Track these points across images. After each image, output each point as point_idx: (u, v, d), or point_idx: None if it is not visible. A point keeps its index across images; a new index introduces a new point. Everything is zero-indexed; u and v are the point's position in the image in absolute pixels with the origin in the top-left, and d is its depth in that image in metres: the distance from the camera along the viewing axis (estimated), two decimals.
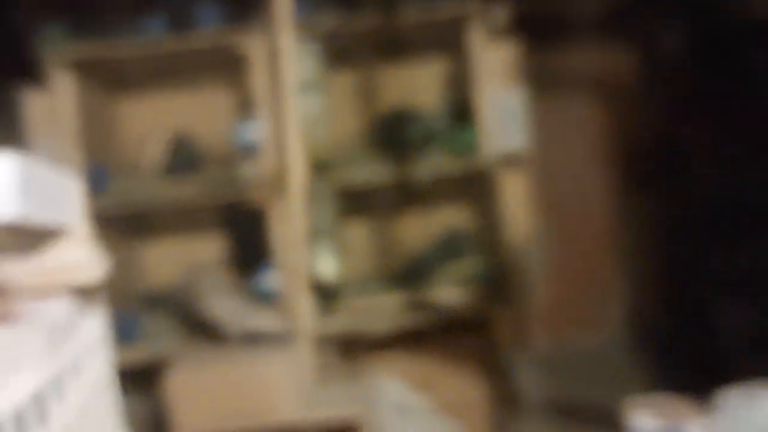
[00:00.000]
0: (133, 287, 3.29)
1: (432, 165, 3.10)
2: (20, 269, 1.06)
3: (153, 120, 3.38)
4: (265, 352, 2.83)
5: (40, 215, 1.23)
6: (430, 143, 3.17)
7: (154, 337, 3.07)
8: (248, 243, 3.11)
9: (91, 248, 1.32)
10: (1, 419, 0.89)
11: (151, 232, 3.36)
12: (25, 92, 2.86)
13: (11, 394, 0.93)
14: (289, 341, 2.97)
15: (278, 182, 3.00)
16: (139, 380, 3.29)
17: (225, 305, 2.88)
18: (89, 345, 1.28)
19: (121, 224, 3.06)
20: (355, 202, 3.20)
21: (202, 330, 2.93)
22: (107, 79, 3.21)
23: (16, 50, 2.77)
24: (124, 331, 3.01)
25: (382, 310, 3.09)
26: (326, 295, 3.07)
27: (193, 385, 2.68)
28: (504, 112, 3.10)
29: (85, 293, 1.29)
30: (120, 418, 1.38)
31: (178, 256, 3.49)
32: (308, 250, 3.01)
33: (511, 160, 3.08)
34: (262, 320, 2.99)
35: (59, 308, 1.15)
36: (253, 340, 2.94)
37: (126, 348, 2.99)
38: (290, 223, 2.94)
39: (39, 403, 1.02)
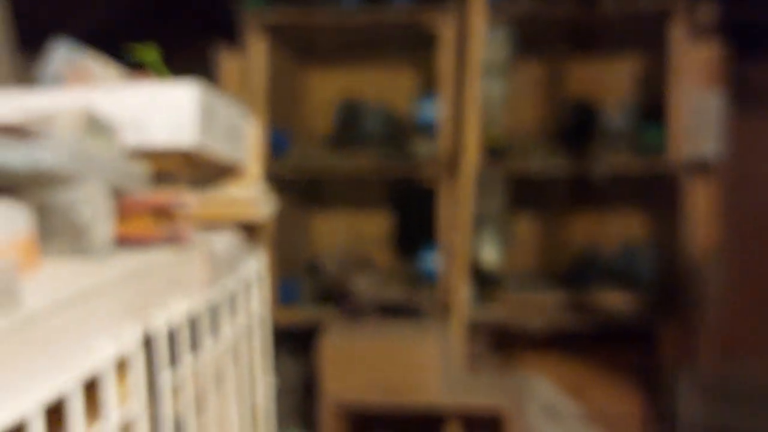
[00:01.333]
0: (299, 253, 3.38)
1: (613, 163, 2.96)
2: (193, 198, 1.06)
3: (336, 90, 3.46)
4: (417, 330, 2.82)
5: (216, 147, 1.24)
6: (614, 140, 3.02)
7: (311, 303, 3.15)
8: (415, 221, 3.09)
9: (261, 188, 1.32)
10: (156, 335, 0.90)
11: (321, 202, 3.43)
12: (221, 51, 2.97)
13: (168, 313, 0.94)
14: (432, 319, 2.97)
15: (451, 163, 2.99)
16: (295, 341, 3.43)
17: (365, 280, 2.91)
18: (248, 283, 1.29)
19: (294, 191, 3.13)
20: (526, 193, 3.11)
21: (346, 301, 2.98)
22: (298, 46, 3.29)
23: (216, 10, 2.90)
24: (285, 293, 3.14)
25: (540, 307, 3.01)
26: (486, 283, 3.03)
27: (346, 353, 2.71)
28: (699, 114, 2.90)
29: (250, 231, 1.30)
30: (269, 364, 1.39)
31: (345, 228, 3.58)
32: (473, 236, 2.97)
33: (700, 166, 2.88)
34: (395, 294, 3.04)
35: (224, 241, 1.15)
36: (390, 312, 2.99)
37: (286, 309, 3.11)
38: (458, 205, 2.92)
39: (193, 327, 1.03)
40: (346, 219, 3.60)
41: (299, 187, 3.15)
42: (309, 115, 3.56)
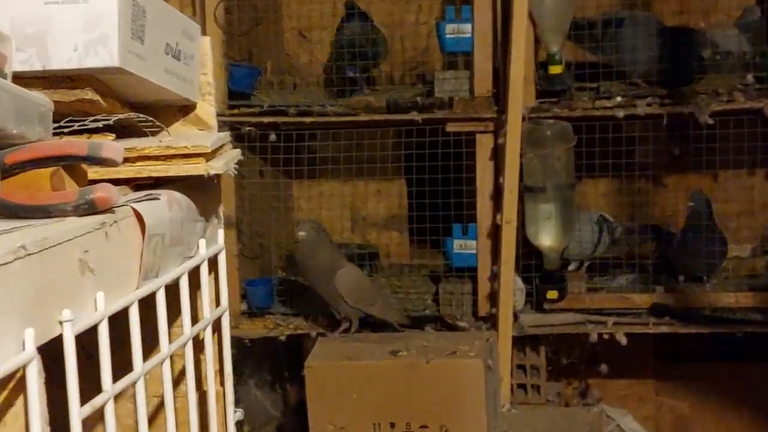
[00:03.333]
0: (275, 242, 3.41)
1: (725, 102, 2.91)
2: (118, 147, 1.04)
3: (323, 11, 3.46)
4: (446, 345, 2.82)
5: (150, 73, 1.22)
6: (727, 70, 2.99)
7: (291, 309, 3.19)
8: (440, 194, 3.07)
9: (215, 137, 1.30)
10: (61, 345, 0.89)
11: (306, 168, 3.42)
12: None
13: (79, 317, 0.93)
14: (467, 329, 2.99)
15: (490, 104, 2.98)
16: (268, 361, 3.45)
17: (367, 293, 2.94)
18: (198, 276, 1.27)
19: (267, 151, 3.12)
20: (603, 150, 3.04)
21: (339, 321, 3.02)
22: None
23: None
24: (256, 296, 3.17)
25: (626, 307, 2.99)
26: (546, 278, 3.02)
27: (343, 379, 2.72)
28: None
29: (201, 198, 1.28)
30: (229, 392, 1.39)
31: (339, 206, 3.59)
32: (524, 209, 2.96)
33: None
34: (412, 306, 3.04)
35: (162, 211, 1.13)
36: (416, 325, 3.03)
37: (255, 318, 3.16)
38: (502, 165, 2.91)
39: (116, 337, 1.03)
40: (343, 193, 3.60)
41: (274, 145, 3.12)
42: (289, 40, 3.54)
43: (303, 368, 2.78)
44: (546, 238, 3.00)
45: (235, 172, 1.34)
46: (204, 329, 1.31)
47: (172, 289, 1.20)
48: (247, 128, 3.07)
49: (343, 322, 2.95)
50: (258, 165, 3.27)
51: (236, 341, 3.06)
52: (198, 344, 1.33)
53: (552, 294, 3.00)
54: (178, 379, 1.37)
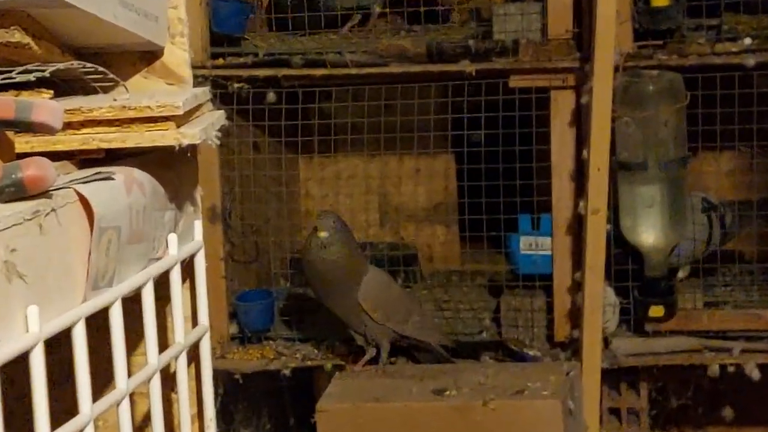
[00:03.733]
0: (276, 241, 3.43)
1: None
2: (57, 106, 1.04)
3: None
4: (509, 379, 2.82)
5: (98, 6, 1.22)
6: None
7: (298, 332, 3.22)
8: (498, 175, 3.07)
9: (192, 94, 1.30)
10: None
11: (319, 135, 3.39)
12: None
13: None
14: (540, 359, 3.01)
15: (570, 50, 2.99)
16: (268, 399, 3.47)
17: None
18: (170, 282, 1.28)
19: (263, 115, 3.16)
20: (726, 114, 3.04)
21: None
22: None
23: None
24: (250, 316, 3.21)
25: (758, 329, 2.98)
26: (648, 287, 3.01)
27: (359, 426, 2.72)
28: None
29: (171, 179, 1.28)
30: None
31: (363, 193, 3.60)
32: (617, 194, 2.96)
33: None
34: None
35: (118, 192, 1.13)
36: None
37: (250, 346, 3.19)
38: (587, 134, 2.90)
39: (57, 365, 1.03)
40: (368, 173, 3.60)
41: (274, 107, 3.15)
42: None
43: (314, 413, 2.77)
44: (647, 234, 2.99)
45: (218, 142, 1.33)
46: (176, 358, 1.31)
47: (133, 303, 1.20)
48: (237, 85, 3.08)
49: (368, 349, 2.95)
50: (251, 135, 3.29)
51: (223, 376, 3.12)
52: (168, 379, 1.34)
53: (656, 311, 2.99)
54: (142, 427, 1.37)
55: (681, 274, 3.11)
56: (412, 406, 2.76)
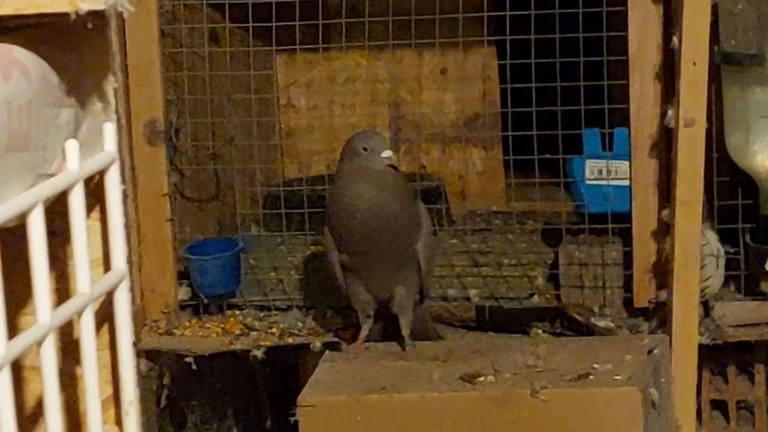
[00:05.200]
0: (250, 164, 3.49)
1: None
2: None
3: None
4: (570, 359, 2.83)
5: None
6: None
7: (277, 294, 3.25)
8: (555, 61, 3.09)
9: None
10: None
11: (303, 20, 3.39)
12: None
13: None
14: (615, 333, 3.03)
15: None
16: (236, 391, 3.51)
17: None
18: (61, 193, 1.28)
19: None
20: None
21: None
22: None
23: None
24: (208, 274, 3.21)
25: None
26: (766, 232, 3.05)
27: (358, 425, 2.73)
28: None
29: (63, 52, 1.28)
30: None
31: (371, 96, 3.67)
32: (722, 99, 2.98)
33: None
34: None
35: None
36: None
37: (213, 315, 3.22)
38: (678, 15, 2.89)
39: None
40: (375, 74, 3.67)
41: None
42: None
43: (295, 408, 2.77)
44: (765, 156, 3.01)
45: (131, 9, 1.32)
46: (79, 316, 1.31)
47: (15, 237, 1.20)
48: None
49: (366, 321, 2.98)
50: (207, 19, 3.31)
51: (171, 359, 3.17)
52: (70, 346, 1.34)
53: None
54: (35, 414, 1.38)
55: None
56: (432, 398, 2.76)
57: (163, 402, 3.15)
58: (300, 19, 3.32)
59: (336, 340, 3.10)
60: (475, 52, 3.64)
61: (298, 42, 3.40)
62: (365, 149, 2.78)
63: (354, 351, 2.99)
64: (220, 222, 3.45)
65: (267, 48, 3.55)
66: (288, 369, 3.34)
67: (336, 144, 3.46)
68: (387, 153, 2.78)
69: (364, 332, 2.99)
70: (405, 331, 2.96)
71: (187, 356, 3.15)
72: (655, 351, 2.89)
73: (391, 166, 2.79)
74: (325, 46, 3.44)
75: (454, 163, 3.69)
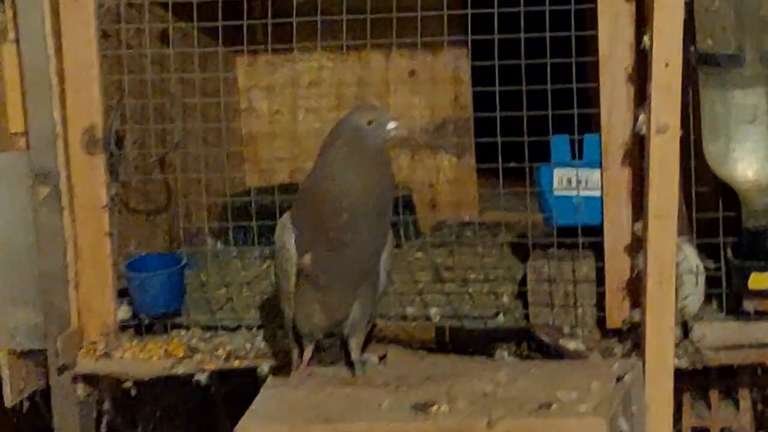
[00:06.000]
0: (207, 167, 3.41)
1: None
2: None
3: None
4: (532, 386, 2.75)
5: None
6: None
7: (223, 313, 3.23)
8: (520, 62, 3.02)
9: None
10: None
11: (265, 18, 3.37)
12: None
13: None
14: (606, 366, 2.90)
15: None
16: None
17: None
18: None
19: None
20: None
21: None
22: None
23: None
24: (148, 294, 3.15)
25: None
26: (749, 245, 2.98)
27: None
28: None
29: None
30: None
31: (336, 100, 3.68)
32: (700, 103, 2.90)
33: None
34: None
35: None
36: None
37: (155, 334, 3.16)
38: (650, 11, 2.84)
39: None
40: (342, 76, 3.70)
41: None
42: None
43: None
44: (746, 165, 2.93)
45: None
46: None
47: None
48: None
49: (307, 345, 2.89)
50: (156, 18, 3.27)
51: (109, 385, 3.10)
52: None
53: (760, 280, 2.94)
54: None
55: None
56: (380, 429, 2.70)
57: (103, 430, 3.13)
58: (263, 16, 3.32)
59: (279, 364, 3.04)
60: (446, 52, 3.67)
61: (260, 41, 3.41)
62: (370, 123, 2.74)
63: (299, 377, 2.92)
64: (171, 235, 3.44)
65: (227, 49, 3.57)
66: (248, 396, 3.25)
67: (299, 150, 3.52)
68: (393, 124, 2.75)
69: (307, 354, 2.91)
70: (355, 355, 2.90)
71: (126, 381, 3.11)
72: (626, 377, 2.82)
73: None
74: (289, 48, 3.44)
75: (424, 171, 3.72)
